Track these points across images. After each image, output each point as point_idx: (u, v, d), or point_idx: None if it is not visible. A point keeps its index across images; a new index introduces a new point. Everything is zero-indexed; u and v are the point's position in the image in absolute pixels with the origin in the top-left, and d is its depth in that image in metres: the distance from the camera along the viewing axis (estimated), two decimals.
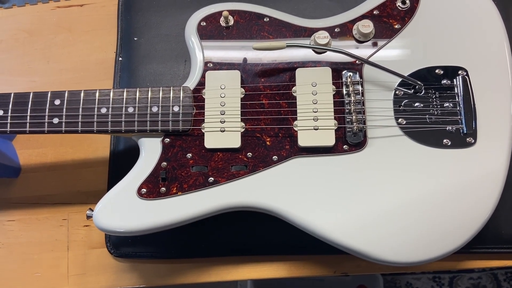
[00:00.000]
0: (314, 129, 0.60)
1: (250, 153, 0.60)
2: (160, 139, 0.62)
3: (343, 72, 0.62)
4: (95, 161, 0.76)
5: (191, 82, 0.63)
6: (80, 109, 0.61)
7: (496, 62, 0.62)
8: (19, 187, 0.76)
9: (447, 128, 0.60)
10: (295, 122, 0.61)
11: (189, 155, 0.61)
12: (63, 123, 0.61)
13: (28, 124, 0.62)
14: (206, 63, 0.64)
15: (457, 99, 0.61)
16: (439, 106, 0.61)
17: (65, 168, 0.76)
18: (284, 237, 0.67)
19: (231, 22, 0.65)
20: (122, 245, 0.70)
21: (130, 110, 0.61)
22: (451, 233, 0.57)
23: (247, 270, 0.69)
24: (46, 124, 0.61)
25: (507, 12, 0.73)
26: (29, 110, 0.62)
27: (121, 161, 0.74)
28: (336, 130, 0.60)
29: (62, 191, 0.75)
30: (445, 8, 0.64)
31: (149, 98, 0.62)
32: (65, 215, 0.74)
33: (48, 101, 0.62)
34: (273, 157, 0.60)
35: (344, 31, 0.64)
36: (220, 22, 0.65)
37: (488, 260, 0.67)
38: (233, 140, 0.60)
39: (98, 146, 0.76)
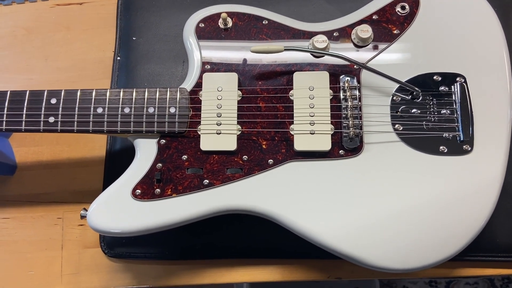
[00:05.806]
0: (311, 133, 0.60)
1: (246, 156, 0.60)
2: (155, 140, 0.61)
3: (341, 77, 0.62)
4: (91, 160, 0.76)
5: (188, 84, 0.63)
6: (76, 109, 0.61)
7: (495, 70, 0.61)
8: (15, 185, 0.76)
9: (443, 135, 0.60)
10: (292, 126, 0.60)
11: (184, 157, 0.60)
12: (59, 122, 0.61)
13: (23, 122, 0.61)
14: (203, 65, 0.64)
15: (454, 106, 0.61)
16: (436, 113, 0.60)
17: (61, 166, 0.76)
18: (278, 240, 0.67)
19: (230, 24, 0.65)
20: (116, 245, 0.70)
21: (126, 110, 0.61)
22: (445, 240, 0.56)
23: (240, 273, 0.69)
24: (41, 123, 0.61)
25: (507, 20, 0.73)
26: (25, 108, 0.61)
27: (117, 160, 0.74)
28: (332, 135, 0.60)
29: (57, 189, 0.75)
30: (445, 14, 0.64)
31: (145, 99, 0.61)
32: (60, 213, 0.74)
33: (44, 100, 0.61)
34: (269, 160, 0.60)
35: (342, 35, 0.64)
36: (219, 24, 0.65)
37: (482, 268, 0.67)
38: (229, 143, 0.60)
39: (95, 145, 0.76)
